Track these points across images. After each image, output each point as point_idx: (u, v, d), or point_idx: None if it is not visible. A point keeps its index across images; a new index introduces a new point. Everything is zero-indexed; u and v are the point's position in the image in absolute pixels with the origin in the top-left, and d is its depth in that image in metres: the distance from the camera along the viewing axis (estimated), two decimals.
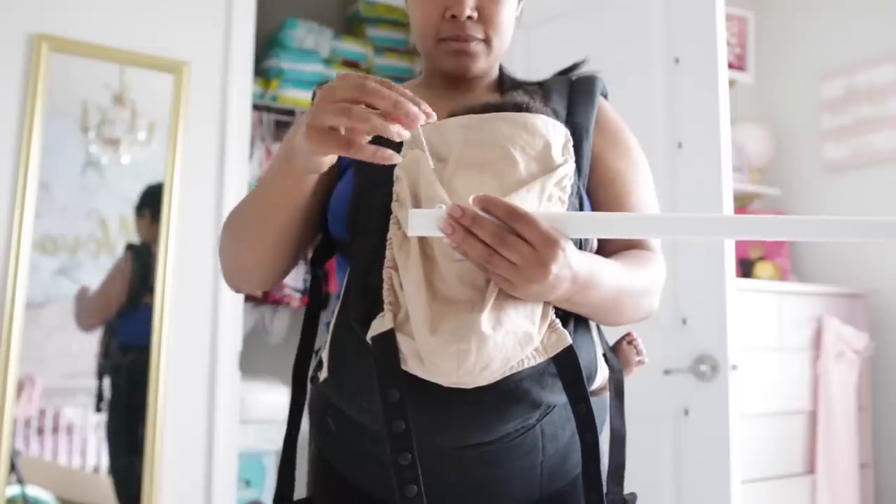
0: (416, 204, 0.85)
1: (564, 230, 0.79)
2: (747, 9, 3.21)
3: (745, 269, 2.93)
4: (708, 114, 1.98)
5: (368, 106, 0.75)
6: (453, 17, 1.01)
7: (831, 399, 2.52)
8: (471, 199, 0.78)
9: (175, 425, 2.32)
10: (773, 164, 3.18)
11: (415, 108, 0.74)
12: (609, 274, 0.88)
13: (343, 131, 0.76)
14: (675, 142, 2.05)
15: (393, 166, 0.84)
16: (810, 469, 2.52)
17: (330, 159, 0.84)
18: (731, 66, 3.02)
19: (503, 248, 0.77)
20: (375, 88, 0.74)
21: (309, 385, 1.01)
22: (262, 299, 2.91)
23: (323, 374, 0.94)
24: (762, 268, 2.92)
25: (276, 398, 2.80)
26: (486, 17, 1.02)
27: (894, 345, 2.74)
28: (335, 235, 0.99)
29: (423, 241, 0.84)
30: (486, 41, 1.04)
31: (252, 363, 2.75)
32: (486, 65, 1.07)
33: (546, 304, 0.85)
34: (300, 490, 1.01)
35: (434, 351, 0.80)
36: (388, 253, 0.86)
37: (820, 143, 3.04)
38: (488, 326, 0.79)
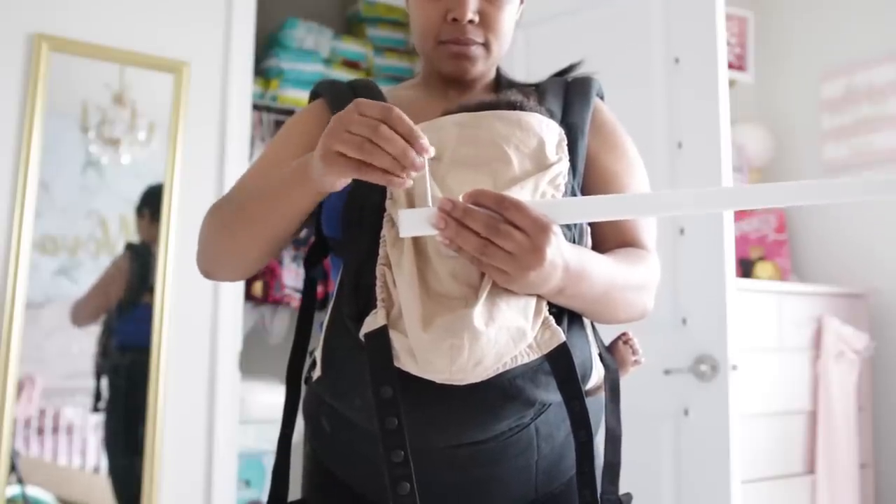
0: (410, 202, 0.85)
1: (554, 217, 0.80)
2: (747, 9, 3.21)
3: (745, 269, 2.93)
4: (708, 114, 1.98)
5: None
6: (454, 20, 1.01)
7: (831, 399, 2.52)
8: (461, 197, 0.79)
9: (175, 425, 2.32)
10: (773, 164, 3.18)
11: (420, 160, 0.75)
12: (601, 267, 0.89)
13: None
14: (675, 142, 2.05)
15: None
16: (810, 469, 2.52)
17: (343, 182, 0.84)
18: (731, 66, 3.02)
19: (497, 236, 0.77)
20: (388, 136, 0.75)
21: (303, 386, 1.01)
22: (262, 299, 2.91)
23: (316, 373, 0.94)
24: (762, 268, 2.92)
25: (275, 398, 2.79)
26: (487, 21, 1.02)
27: (894, 345, 2.74)
28: (329, 235, 1.00)
29: (416, 238, 0.84)
30: (486, 45, 1.04)
31: (252, 363, 2.74)
32: (484, 68, 1.07)
33: (539, 300, 0.85)
34: (295, 491, 1.01)
35: (427, 347, 0.79)
36: (381, 250, 0.86)
37: (820, 143, 3.04)
38: (480, 322, 0.79)
